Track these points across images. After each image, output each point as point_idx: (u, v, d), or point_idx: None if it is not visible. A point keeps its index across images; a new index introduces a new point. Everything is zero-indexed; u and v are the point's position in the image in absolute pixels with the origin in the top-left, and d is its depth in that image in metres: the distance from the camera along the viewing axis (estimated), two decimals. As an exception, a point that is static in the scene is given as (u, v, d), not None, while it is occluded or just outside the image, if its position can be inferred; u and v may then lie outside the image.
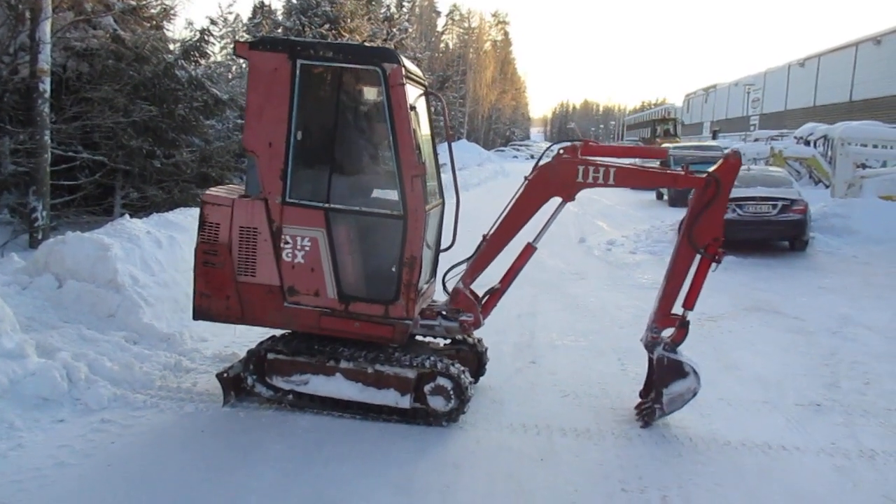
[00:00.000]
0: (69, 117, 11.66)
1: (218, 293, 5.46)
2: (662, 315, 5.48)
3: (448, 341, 6.24)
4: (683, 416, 5.52)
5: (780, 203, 12.88)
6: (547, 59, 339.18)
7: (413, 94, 5.41)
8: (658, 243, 13.87)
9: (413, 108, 5.24)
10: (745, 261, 12.22)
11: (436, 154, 6.20)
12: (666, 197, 22.79)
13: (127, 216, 8.75)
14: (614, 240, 14.61)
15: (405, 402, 5.30)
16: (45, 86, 10.21)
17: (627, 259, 12.87)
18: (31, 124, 10.38)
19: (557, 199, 5.50)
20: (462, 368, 5.44)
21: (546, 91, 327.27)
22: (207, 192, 5.56)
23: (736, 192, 12.52)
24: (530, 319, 8.58)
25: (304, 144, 5.29)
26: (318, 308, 5.37)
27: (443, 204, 6.12)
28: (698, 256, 5.32)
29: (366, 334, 5.38)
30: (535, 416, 5.56)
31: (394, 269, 5.23)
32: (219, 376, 5.67)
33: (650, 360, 5.55)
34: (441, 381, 5.31)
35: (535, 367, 6.79)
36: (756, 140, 28.67)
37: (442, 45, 61.21)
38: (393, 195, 5.27)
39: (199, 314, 5.60)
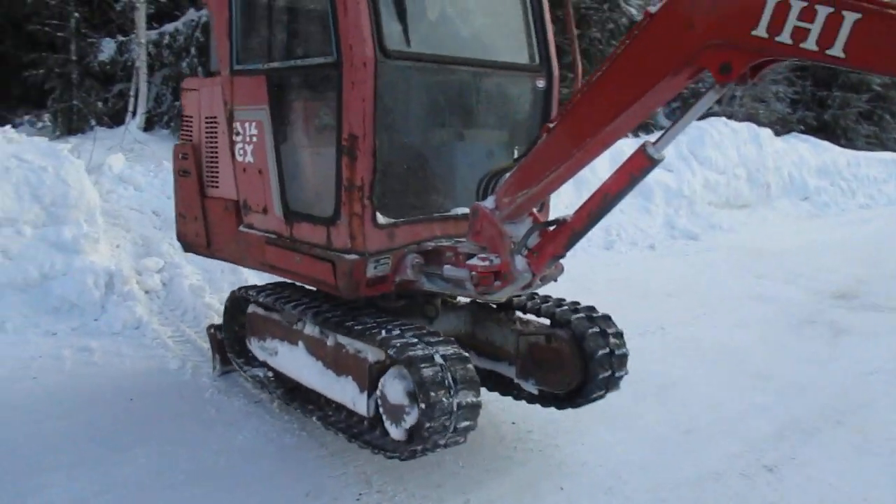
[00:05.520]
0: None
1: (190, 213, 4.00)
2: None
3: (545, 319, 3.50)
4: None
5: None
6: None
7: None
8: None
9: None
10: None
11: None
12: None
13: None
14: None
15: (362, 404, 3.04)
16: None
17: None
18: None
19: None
20: (456, 355, 2.82)
21: None
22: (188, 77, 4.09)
23: None
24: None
25: None
26: (266, 233, 3.48)
27: (547, 75, 3.61)
28: None
29: (309, 277, 3.28)
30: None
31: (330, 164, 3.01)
32: (209, 330, 4.27)
33: None
34: (395, 374, 2.86)
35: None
36: None
37: None
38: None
39: (183, 244, 4.25)
